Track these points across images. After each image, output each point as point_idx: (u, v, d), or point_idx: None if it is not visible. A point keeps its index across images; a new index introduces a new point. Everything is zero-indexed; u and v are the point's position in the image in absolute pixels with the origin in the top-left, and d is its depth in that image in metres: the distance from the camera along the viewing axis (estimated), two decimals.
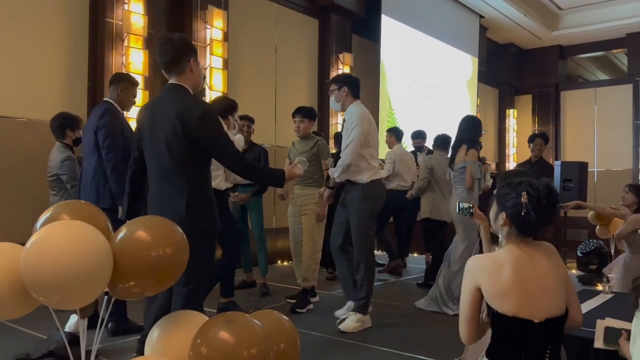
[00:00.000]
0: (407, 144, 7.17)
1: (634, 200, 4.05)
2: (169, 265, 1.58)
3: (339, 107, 4.06)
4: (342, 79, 4.08)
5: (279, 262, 6.78)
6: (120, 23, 5.20)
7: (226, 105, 4.03)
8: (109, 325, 3.55)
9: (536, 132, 6.78)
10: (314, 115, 4.68)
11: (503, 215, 1.68)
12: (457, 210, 2.64)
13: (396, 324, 4.08)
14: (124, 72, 4.96)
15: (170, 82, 2.54)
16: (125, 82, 3.70)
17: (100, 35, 5.18)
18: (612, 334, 2.01)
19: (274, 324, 1.59)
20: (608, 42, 11.15)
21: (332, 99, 4.07)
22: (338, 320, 3.90)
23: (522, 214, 1.62)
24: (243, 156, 2.62)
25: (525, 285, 1.60)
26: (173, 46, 2.49)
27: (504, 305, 1.61)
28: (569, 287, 1.74)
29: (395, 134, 6.27)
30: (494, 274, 1.62)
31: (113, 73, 4.81)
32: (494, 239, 2.11)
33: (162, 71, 2.57)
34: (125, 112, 3.80)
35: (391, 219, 6.23)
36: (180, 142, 2.40)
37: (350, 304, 4.05)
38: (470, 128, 4.54)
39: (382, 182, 4.23)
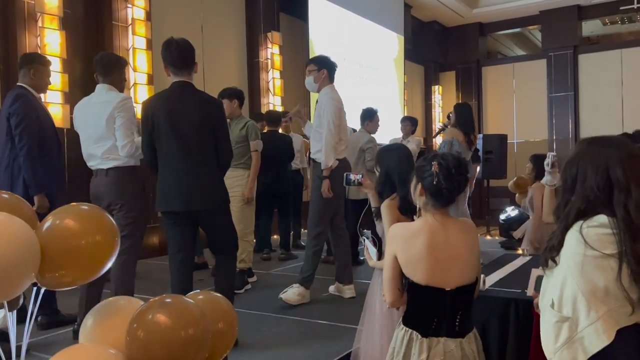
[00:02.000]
0: None
1: (532, 168, 4.32)
2: (99, 253, 1.55)
3: (314, 88, 4.13)
4: (323, 62, 4.11)
5: None
6: (33, 2, 4.89)
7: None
8: (39, 319, 3.43)
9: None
10: (237, 95, 4.63)
11: (419, 186, 1.80)
12: (344, 183, 2.68)
13: (338, 299, 4.18)
14: (34, 52, 4.63)
15: (179, 79, 3.00)
16: (36, 63, 3.47)
17: (11, 15, 4.86)
18: (540, 283, 2.17)
19: (211, 303, 1.61)
20: (523, 19, 11.71)
21: (309, 78, 4.09)
22: (282, 291, 3.98)
23: (434, 183, 1.75)
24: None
25: (437, 254, 1.73)
26: (189, 49, 3.05)
27: (416, 272, 1.74)
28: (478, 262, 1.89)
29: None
30: (408, 242, 1.76)
31: None
32: None
33: (168, 68, 3.01)
34: (42, 96, 3.60)
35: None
36: (205, 130, 2.94)
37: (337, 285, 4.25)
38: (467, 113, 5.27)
39: (346, 161, 4.23)
